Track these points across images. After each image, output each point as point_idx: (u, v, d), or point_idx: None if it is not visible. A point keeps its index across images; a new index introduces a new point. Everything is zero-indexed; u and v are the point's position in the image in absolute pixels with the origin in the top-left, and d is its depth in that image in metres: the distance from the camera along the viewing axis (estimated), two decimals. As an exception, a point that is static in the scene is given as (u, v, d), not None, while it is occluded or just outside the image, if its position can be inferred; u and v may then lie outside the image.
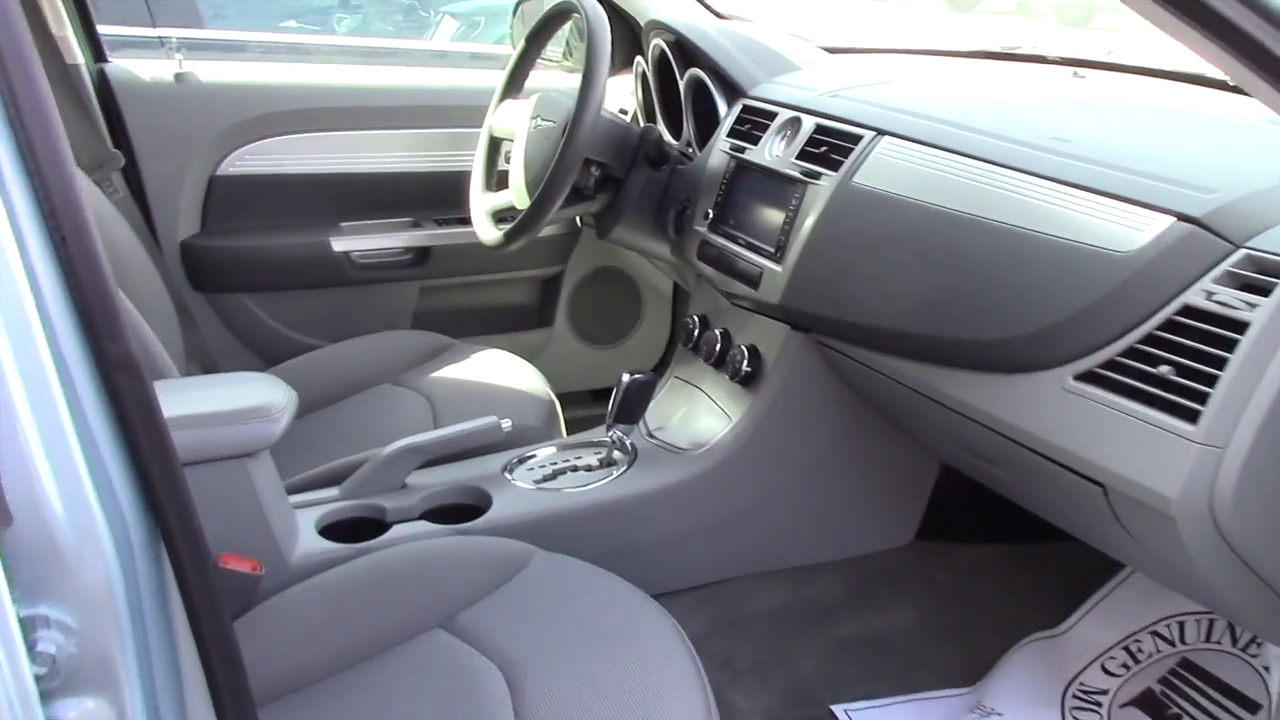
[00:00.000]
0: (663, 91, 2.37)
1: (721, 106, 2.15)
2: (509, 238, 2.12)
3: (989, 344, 1.47)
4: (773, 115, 1.99)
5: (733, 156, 2.04)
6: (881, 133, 1.74)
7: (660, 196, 2.22)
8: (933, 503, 2.04)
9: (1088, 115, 1.70)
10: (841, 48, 2.38)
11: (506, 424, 1.87)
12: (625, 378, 1.92)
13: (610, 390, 1.95)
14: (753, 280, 1.88)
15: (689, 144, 2.27)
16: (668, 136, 2.30)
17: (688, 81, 2.22)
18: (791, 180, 1.86)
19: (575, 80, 2.74)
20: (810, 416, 1.90)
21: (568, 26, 2.47)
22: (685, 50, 2.24)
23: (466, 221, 2.56)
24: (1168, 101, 1.83)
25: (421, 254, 2.63)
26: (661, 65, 2.34)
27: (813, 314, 1.79)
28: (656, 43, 2.31)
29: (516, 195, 2.18)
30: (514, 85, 2.33)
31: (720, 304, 2.06)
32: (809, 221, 1.78)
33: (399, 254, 2.62)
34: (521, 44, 2.30)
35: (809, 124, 1.89)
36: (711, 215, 2.04)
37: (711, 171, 2.08)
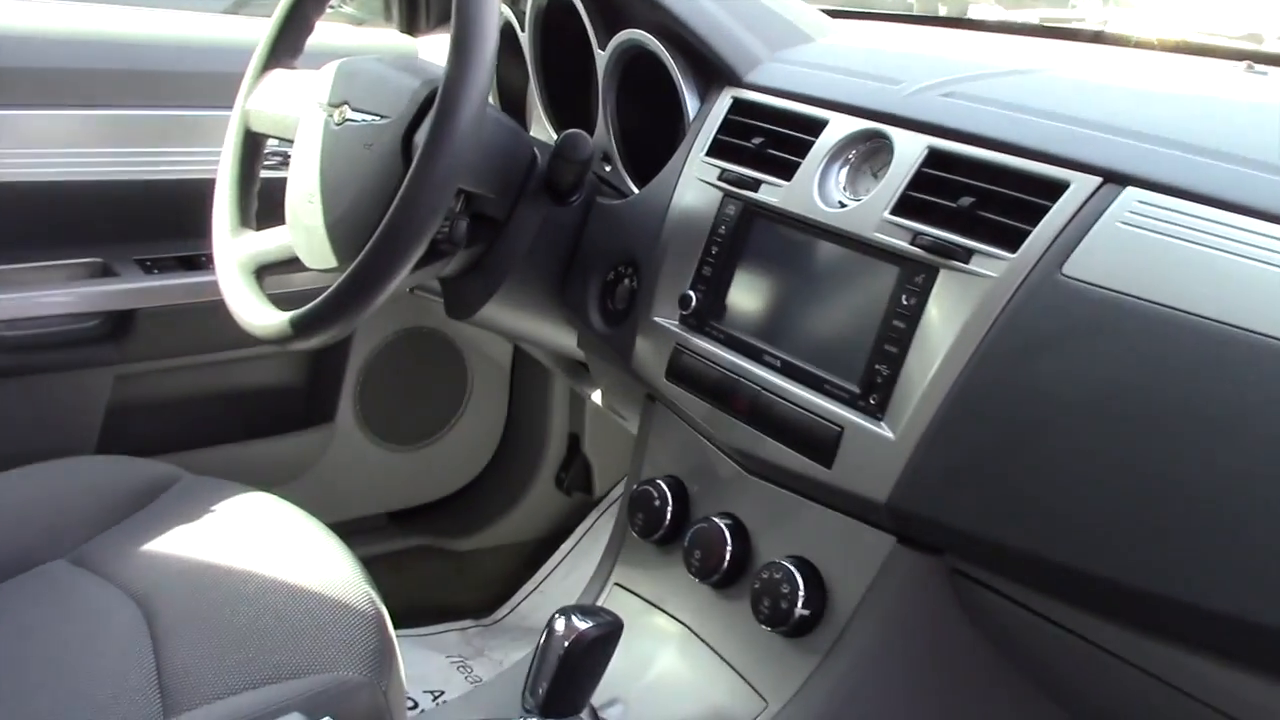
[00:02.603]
0: (547, 67, 1.42)
1: (690, 101, 1.22)
2: (302, 330, 1.13)
3: None
4: (811, 125, 1.09)
5: (731, 195, 1.12)
6: (1119, 178, 0.88)
7: (568, 252, 1.27)
8: None
9: None
10: (834, 9, 1.48)
11: None
12: (560, 625, 0.97)
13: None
14: (822, 449, 0.98)
15: (605, 162, 1.34)
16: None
17: (616, 53, 1.28)
18: (894, 257, 0.97)
19: (373, 40, 1.76)
20: (925, 703, 1.02)
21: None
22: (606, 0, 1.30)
23: (194, 265, 1.55)
24: None
25: (118, 321, 1.56)
26: (549, 22, 1.39)
27: (966, 531, 0.91)
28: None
29: (307, 245, 1.21)
30: (286, 46, 1.32)
31: (711, 462, 1.14)
32: (951, 345, 0.90)
33: (77, 322, 1.54)
34: (301, -28, 1.29)
35: (911, 147, 1.00)
36: (696, 300, 1.12)
37: (684, 217, 1.16)
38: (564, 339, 1.34)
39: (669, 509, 1.14)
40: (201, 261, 1.59)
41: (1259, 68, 1.24)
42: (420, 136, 1.11)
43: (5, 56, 1.46)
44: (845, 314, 1.01)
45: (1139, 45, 1.43)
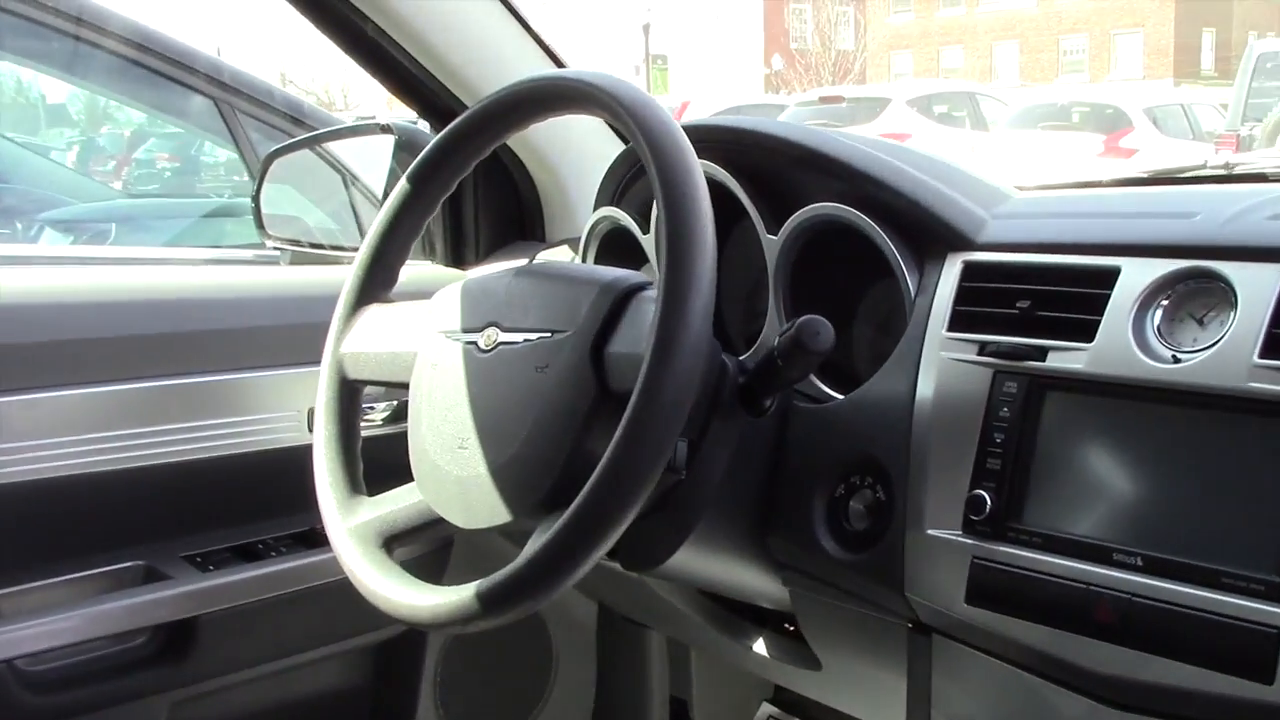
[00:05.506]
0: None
1: (909, 275, 1.05)
2: (496, 604, 0.88)
3: None
4: (1097, 276, 0.92)
5: (1007, 370, 0.94)
6: None
7: (768, 472, 1.06)
8: None
9: None
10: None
11: None
12: None
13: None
14: (1255, 661, 0.78)
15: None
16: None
17: (793, 235, 1.11)
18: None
19: (416, 275, 1.55)
20: None
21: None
22: (777, 176, 1.14)
23: (253, 554, 1.30)
24: None
25: (171, 636, 1.27)
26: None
27: None
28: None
29: (461, 501, 0.99)
30: (380, 279, 1.12)
31: (1046, 701, 0.90)
32: None
33: (120, 644, 1.25)
34: (402, 186, 1.10)
35: (1258, 279, 0.84)
36: (990, 501, 0.91)
37: (942, 406, 0.97)
38: (763, 581, 1.11)
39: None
40: (260, 549, 1.33)
41: None
42: (620, 347, 0.92)
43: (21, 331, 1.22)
44: (1225, 487, 0.82)
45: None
